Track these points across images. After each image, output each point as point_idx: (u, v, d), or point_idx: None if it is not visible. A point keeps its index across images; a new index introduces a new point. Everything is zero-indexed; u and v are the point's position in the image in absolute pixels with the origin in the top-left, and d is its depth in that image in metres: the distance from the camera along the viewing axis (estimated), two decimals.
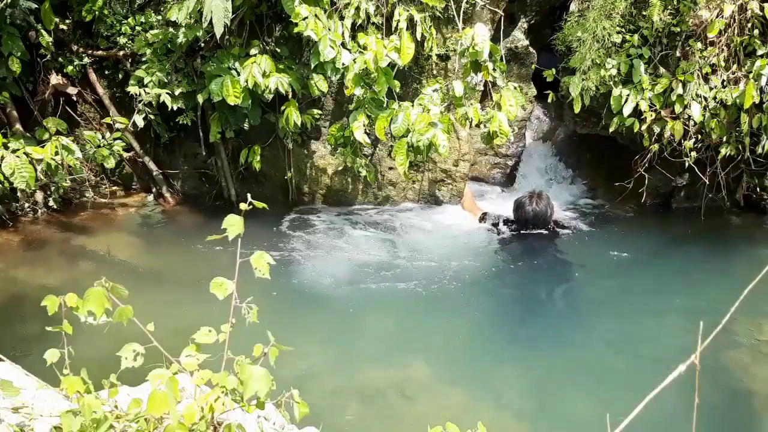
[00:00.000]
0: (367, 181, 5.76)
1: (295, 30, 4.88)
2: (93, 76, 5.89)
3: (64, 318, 1.91)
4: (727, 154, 5.26)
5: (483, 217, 5.77)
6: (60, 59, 5.77)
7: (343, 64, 4.89)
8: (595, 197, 6.34)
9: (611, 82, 5.24)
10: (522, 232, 5.59)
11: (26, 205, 5.60)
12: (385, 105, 5.07)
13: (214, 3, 4.69)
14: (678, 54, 5.22)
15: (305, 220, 5.79)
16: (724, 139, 5.22)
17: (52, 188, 5.62)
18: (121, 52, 5.75)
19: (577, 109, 5.32)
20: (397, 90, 5.09)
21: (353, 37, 5.05)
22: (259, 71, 4.95)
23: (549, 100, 5.63)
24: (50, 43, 5.53)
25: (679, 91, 5.13)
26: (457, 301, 4.73)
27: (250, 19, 5.28)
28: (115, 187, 6.21)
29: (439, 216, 5.88)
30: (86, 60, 5.82)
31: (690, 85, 5.12)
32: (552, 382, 3.74)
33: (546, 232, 5.60)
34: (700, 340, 1.24)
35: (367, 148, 5.59)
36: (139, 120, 5.55)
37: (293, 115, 5.18)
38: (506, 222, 5.68)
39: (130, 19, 5.66)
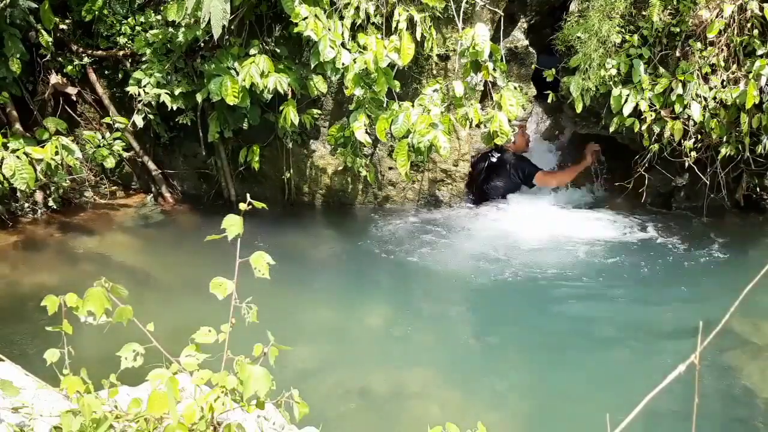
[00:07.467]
0: (366, 181, 5.76)
1: (295, 30, 4.87)
2: (93, 76, 5.89)
3: (64, 318, 1.91)
4: (727, 154, 5.25)
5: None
6: (60, 59, 5.77)
7: (343, 64, 4.89)
8: (595, 197, 6.33)
9: (611, 82, 5.24)
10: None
11: (26, 205, 5.59)
12: (385, 105, 5.07)
13: (213, 4, 4.68)
14: (678, 54, 5.21)
15: (305, 220, 5.79)
16: (724, 139, 5.21)
17: (52, 188, 5.61)
18: (121, 52, 5.75)
19: (578, 108, 5.32)
20: (397, 90, 5.09)
21: (353, 37, 5.04)
22: (257, 71, 4.94)
23: (549, 100, 5.62)
24: (50, 43, 5.52)
25: (679, 91, 5.12)
26: (456, 302, 4.74)
27: (249, 18, 5.28)
28: (114, 187, 6.20)
29: (438, 216, 5.88)
30: (86, 60, 5.81)
31: (690, 85, 5.11)
32: (552, 381, 3.74)
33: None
34: (700, 340, 1.24)
35: (367, 148, 5.59)
36: (138, 120, 5.54)
37: (291, 115, 5.16)
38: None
39: (130, 19, 5.65)
